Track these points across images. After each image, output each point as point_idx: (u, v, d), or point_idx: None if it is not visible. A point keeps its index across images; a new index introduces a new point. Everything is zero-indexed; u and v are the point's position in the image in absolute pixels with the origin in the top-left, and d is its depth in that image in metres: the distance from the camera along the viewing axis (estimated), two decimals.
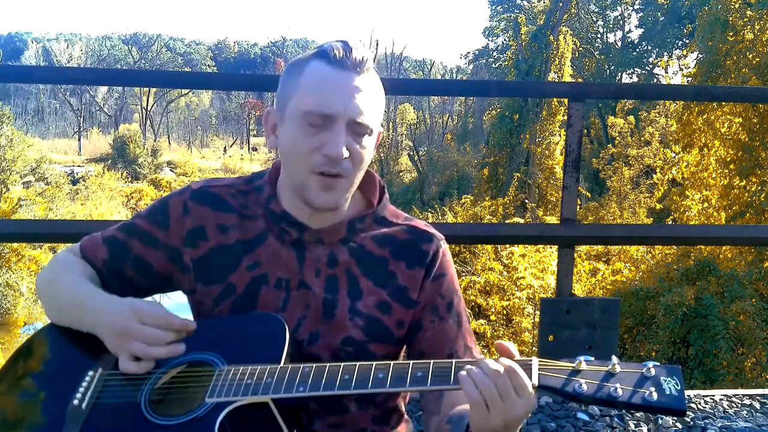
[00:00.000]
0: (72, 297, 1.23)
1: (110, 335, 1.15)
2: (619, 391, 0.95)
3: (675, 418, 2.89)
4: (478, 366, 1.00)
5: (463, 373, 1.00)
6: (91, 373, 1.16)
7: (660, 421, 2.87)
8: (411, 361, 1.06)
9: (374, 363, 1.06)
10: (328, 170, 1.14)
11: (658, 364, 0.97)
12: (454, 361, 1.04)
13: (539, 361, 1.01)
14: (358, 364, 1.06)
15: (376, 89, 1.18)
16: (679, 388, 0.94)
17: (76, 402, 1.13)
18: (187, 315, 1.27)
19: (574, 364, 0.99)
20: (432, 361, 1.05)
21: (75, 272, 1.26)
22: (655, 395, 0.94)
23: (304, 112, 1.13)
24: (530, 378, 0.99)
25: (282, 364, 1.09)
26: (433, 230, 1.28)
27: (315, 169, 1.15)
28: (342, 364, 1.07)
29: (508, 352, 1.02)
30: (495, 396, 0.98)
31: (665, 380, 0.95)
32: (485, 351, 9.01)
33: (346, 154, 1.13)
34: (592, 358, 0.99)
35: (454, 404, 1.18)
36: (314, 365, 1.07)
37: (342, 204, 1.20)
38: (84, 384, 1.15)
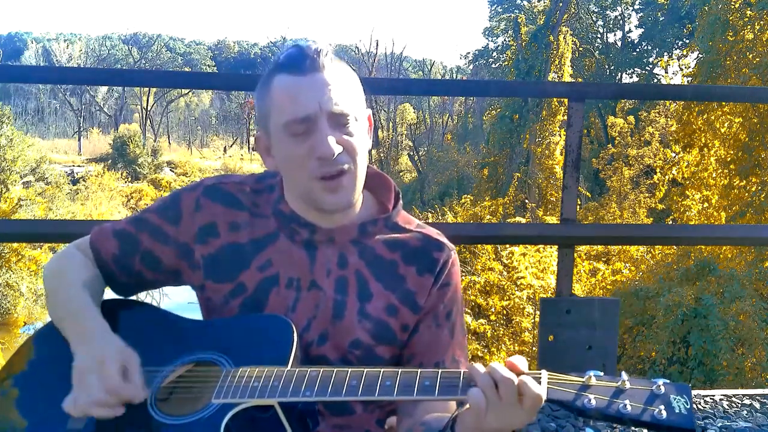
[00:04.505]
0: (64, 310, 1.23)
1: (75, 366, 1.12)
2: (629, 408, 0.94)
3: None
4: (489, 369, 1.00)
5: (474, 370, 1.00)
6: None
7: None
8: (419, 370, 1.05)
9: (382, 370, 1.05)
10: (327, 172, 1.14)
11: (668, 381, 0.97)
12: (462, 371, 1.03)
13: (548, 374, 1.00)
14: (365, 370, 1.05)
15: (344, 77, 1.17)
16: (688, 407, 0.94)
17: None
18: (187, 316, 1.27)
19: (583, 379, 0.98)
20: (440, 371, 1.04)
21: (76, 281, 1.25)
22: (664, 413, 0.93)
23: (284, 125, 1.14)
24: None
25: (289, 366, 1.09)
26: (444, 239, 1.28)
27: (314, 174, 1.15)
28: (349, 369, 1.06)
29: (517, 368, 1.01)
30: (495, 400, 0.97)
31: (675, 398, 0.95)
32: (485, 351, 9.01)
33: (338, 149, 1.13)
34: (602, 373, 0.99)
35: (431, 411, 1.17)
36: (321, 369, 1.07)
37: (353, 201, 1.20)
38: None
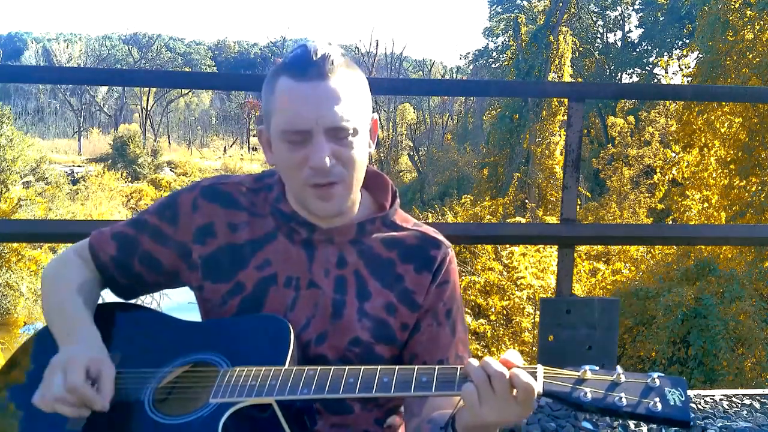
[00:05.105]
0: (55, 313, 1.25)
1: (50, 362, 1.14)
2: (624, 401, 0.95)
3: None
4: (482, 363, 1.01)
5: (467, 365, 1.02)
6: None
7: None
8: (416, 366, 1.06)
9: (379, 367, 1.06)
10: (318, 182, 1.14)
11: (663, 375, 0.98)
12: (459, 367, 1.04)
13: (544, 368, 1.01)
14: (362, 367, 1.06)
15: (349, 87, 1.14)
16: (683, 399, 0.95)
17: None
18: (185, 317, 1.27)
19: (579, 373, 0.99)
20: (437, 367, 1.05)
21: (69, 285, 1.27)
22: (659, 406, 0.94)
23: (282, 132, 1.13)
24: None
25: (286, 366, 1.09)
26: (441, 237, 1.28)
27: (307, 182, 1.15)
28: (346, 367, 1.07)
29: (512, 363, 1.02)
30: (489, 393, 0.98)
31: (670, 391, 0.96)
32: (485, 351, 9.00)
33: (330, 162, 1.12)
34: (597, 368, 1.00)
35: (437, 408, 1.18)
36: (319, 368, 1.07)
37: (345, 208, 1.20)
38: None
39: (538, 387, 0.99)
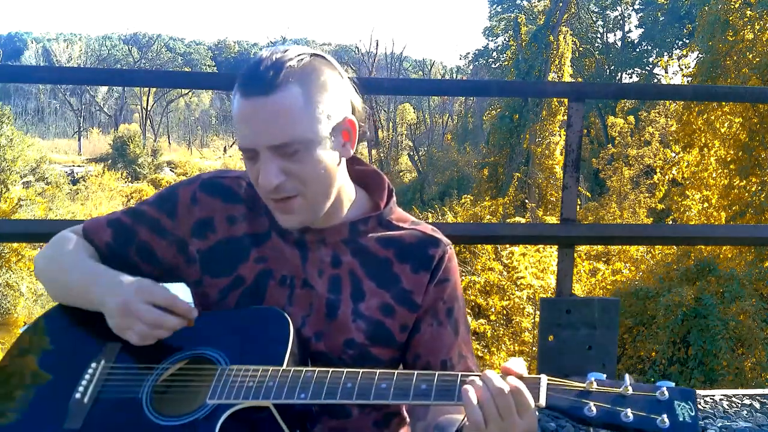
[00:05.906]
0: (78, 274, 1.21)
1: (114, 313, 1.13)
2: (630, 417, 0.92)
3: None
4: (483, 380, 0.98)
5: (466, 386, 0.98)
6: (93, 365, 1.16)
7: None
8: (415, 372, 1.03)
9: (378, 372, 1.04)
10: (273, 197, 1.13)
11: (672, 386, 0.94)
12: (459, 374, 1.02)
13: (548, 379, 0.98)
14: (361, 372, 1.04)
15: (297, 99, 1.07)
16: (693, 414, 0.91)
17: (78, 395, 1.12)
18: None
19: (584, 384, 0.96)
20: (437, 374, 1.03)
21: (79, 250, 1.25)
22: (667, 422, 0.90)
23: (239, 148, 1.13)
24: (538, 398, 0.97)
25: (285, 362, 1.08)
26: (440, 235, 1.25)
27: (265, 196, 1.15)
28: (345, 371, 1.05)
29: (514, 372, 1.00)
30: (494, 413, 0.96)
31: (679, 405, 0.92)
32: (485, 351, 9.01)
33: (276, 181, 1.09)
34: (604, 377, 0.97)
35: (443, 412, 1.17)
36: (317, 370, 1.06)
37: (309, 221, 1.18)
38: (87, 376, 1.14)
39: (540, 401, 0.96)
